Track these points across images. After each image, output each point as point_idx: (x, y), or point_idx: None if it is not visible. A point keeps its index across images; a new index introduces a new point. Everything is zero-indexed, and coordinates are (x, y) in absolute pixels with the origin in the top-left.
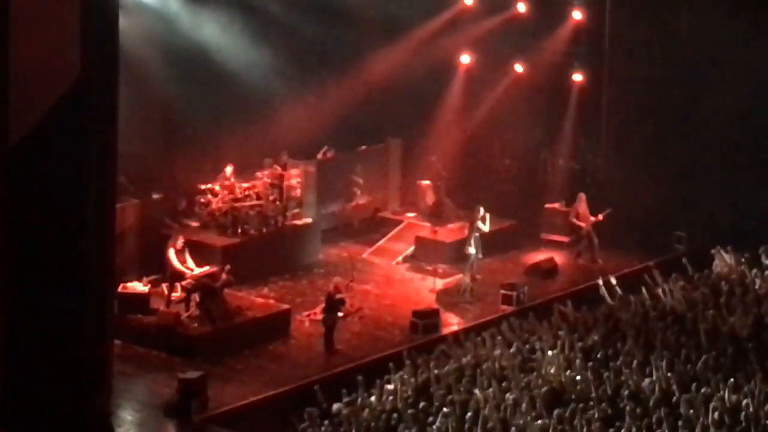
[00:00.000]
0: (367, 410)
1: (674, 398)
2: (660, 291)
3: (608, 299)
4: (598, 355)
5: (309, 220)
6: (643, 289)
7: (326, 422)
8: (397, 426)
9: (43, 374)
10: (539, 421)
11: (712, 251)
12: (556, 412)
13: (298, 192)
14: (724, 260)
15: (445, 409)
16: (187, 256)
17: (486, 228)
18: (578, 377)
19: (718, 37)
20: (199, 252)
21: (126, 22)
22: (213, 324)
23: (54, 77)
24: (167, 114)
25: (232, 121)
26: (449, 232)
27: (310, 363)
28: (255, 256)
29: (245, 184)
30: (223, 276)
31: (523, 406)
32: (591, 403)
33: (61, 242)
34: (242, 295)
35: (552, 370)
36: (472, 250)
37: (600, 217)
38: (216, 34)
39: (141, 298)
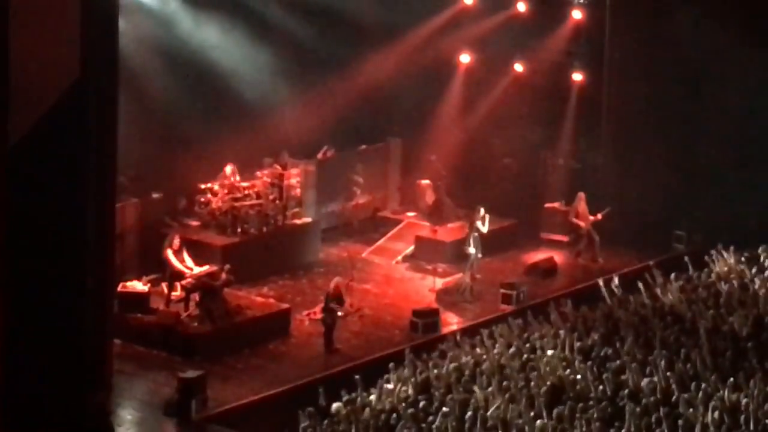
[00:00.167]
0: (366, 410)
1: (674, 398)
2: (659, 290)
3: (608, 299)
4: (598, 355)
5: (309, 219)
6: (643, 289)
7: (326, 421)
8: (396, 425)
9: (43, 373)
10: (539, 421)
11: (712, 251)
12: (555, 411)
13: (298, 191)
14: (723, 260)
15: (444, 409)
16: (185, 255)
17: (485, 229)
18: (578, 376)
19: (718, 36)
20: (199, 251)
21: (126, 22)
22: (213, 323)
23: (54, 77)
24: (167, 113)
25: (232, 121)
26: (449, 232)
27: (310, 362)
28: (255, 256)
29: (245, 184)
30: (223, 275)
31: (523, 405)
32: (590, 402)
33: (61, 241)
34: (242, 295)
35: (551, 370)
36: (471, 249)
37: (599, 216)
38: (216, 33)
39: (141, 298)
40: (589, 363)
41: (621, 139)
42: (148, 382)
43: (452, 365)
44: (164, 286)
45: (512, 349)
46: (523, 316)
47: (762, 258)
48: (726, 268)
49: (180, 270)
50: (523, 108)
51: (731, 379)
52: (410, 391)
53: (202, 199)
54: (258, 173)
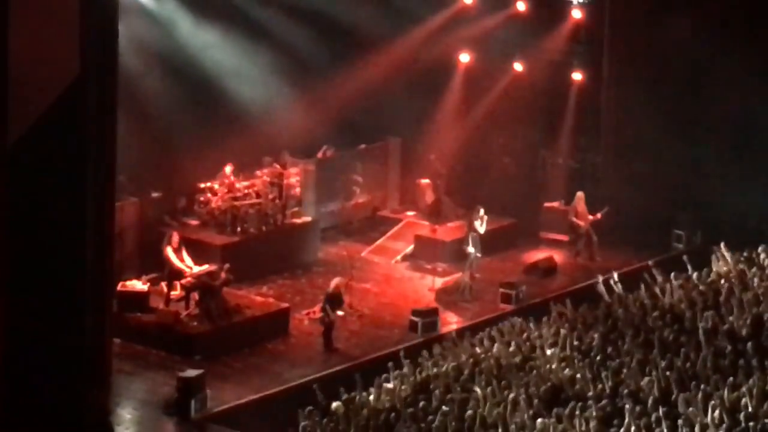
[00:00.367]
0: (366, 409)
1: (673, 397)
2: (659, 290)
3: (607, 298)
4: (598, 354)
5: (308, 218)
6: (642, 288)
7: (325, 420)
8: (395, 424)
9: (43, 372)
10: (538, 420)
11: (712, 250)
12: (555, 410)
13: (297, 190)
14: (723, 259)
15: (444, 408)
16: (185, 254)
17: (482, 229)
18: (577, 376)
19: (718, 35)
20: (199, 250)
21: (127, 22)
22: (212, 322)
23: (53, 76)
24: (167, 113)
25: (232, 120)
26: (448, 231)
27: (309, 361)
28: (254, 255)
29: (245, 183)
30: (223, 274)
31: (522, 404)
32: (590, 401)
33: (61, 241)
34: (241, 294)
35: (551, 369)
36: (470, 249)
37: (598, 216)
38: (216, 33)
39: (140, 297)
40: (589, 362)
41: (620, 139)
42: (147, 381)
43: (451, 364)
44: (164, 285)
45: (511, 348)
46: (523, 316)
47: (761, 257)
48: (725, 268)
49: (179, 269)
50: (523, 107)
51: (731, 378)
52: (409, 390)
53: (202, 199)
54: (257, 172)
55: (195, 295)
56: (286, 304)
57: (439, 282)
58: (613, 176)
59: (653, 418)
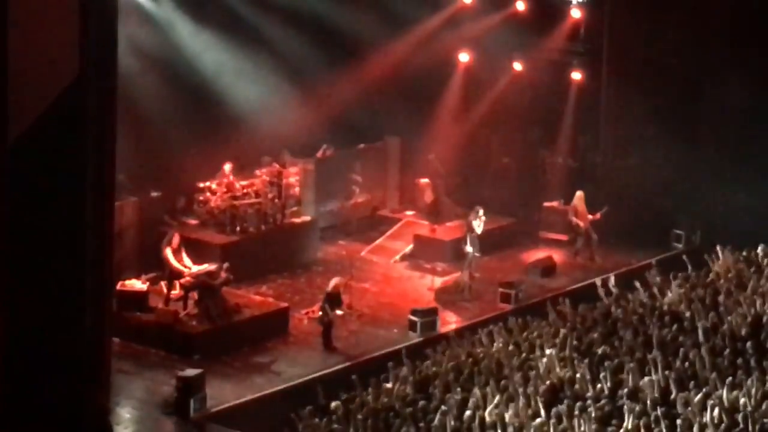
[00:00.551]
0: (365, 408)
1: (672, 397)
2: (658, 289)
3: (605, 298)
4: (597, 354)
5: (308, 218)
6: (642, 288)
7: (324, 420)
8: (395, 424)
9: (42, 372)
10: (537, 420)
11: (711, 249)
12: (554, 410)
13: (296, 190)
14: (722, 259)
15: (443, 407)
16: (184, 255)
17: (479, 230)
18: (576, 375)
19: (718, 35)
20: (198, 250)
21: (125, 23)
22: (212, 322)
23: (53, 76)
24: (166, 112)
25: (231, 119)
26: (448, 231)
27: (309, 361)
28: (254, 254)
29: (244, 182)
30: (222, 274)
31: (521, 404)
32: (589, 401)
33: (60, 240)
34: (241, 293)
35: (550, 368)
36: (469, 248)
37: (598, 216)
38: (215, 33)
39: (140, 296)
40: (588, 362)
41: (620, 138)
42: (146, 380)
43: (451, 364)
44: (163, 284)
45: (511, 348)
46: (522, 315)
47: (761, 257)
48: (725, 267)
49: (179, 269)
50: (522, 107)
51: (730, 378)
52: (409, 390)
53: (201, 198)
54: (257, 172)
55: (194, 295)
56: (285, 304)
57: (438, 281)
58: (613, 176)
59: (652, 417)
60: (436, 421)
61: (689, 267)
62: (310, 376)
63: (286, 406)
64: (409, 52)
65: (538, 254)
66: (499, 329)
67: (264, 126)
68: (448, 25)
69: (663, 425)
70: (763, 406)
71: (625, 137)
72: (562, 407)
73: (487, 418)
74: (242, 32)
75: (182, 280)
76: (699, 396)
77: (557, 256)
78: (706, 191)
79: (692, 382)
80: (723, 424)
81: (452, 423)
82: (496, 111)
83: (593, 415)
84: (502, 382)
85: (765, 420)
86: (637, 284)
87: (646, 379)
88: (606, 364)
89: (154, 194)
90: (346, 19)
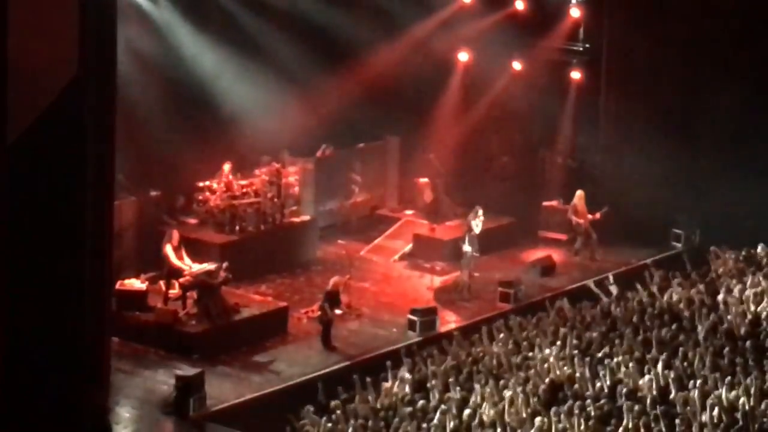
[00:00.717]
0: (364, 408)
1: (671, 396)
2: (657, 289)
3: (603, 298)
4: (596, 353)
5: (307, 217)
6: (641, 287)
7: (324, 419)
8: (394, 423)
9: (41, 371)
10: (536, 419)
11: (710, 249)
12: (553, 409)
13: (296, 189)
14: (722, 258)
15: (442, 406)
16: (183, 253)
17: (477, 229)
18: (576, 374)
19: (717, 34)
20: (197, 249)
21: (124, 22)
22: (211, 321)
23: (52, 75)
24: (165, 111)
25: (230, 119)
26: (447, 230)
27: (308, 360)
28: (253, 254)
29: (243, 182)
30: (221, 273)
31: (521, 403)
32: (588, 400)
33: (59, 240)
34: (240, 293)
35: (549, 368)
36: (467, 247)
37: (598, 215)
38: (214, 33)
39: (139, 295)
40: (587, 361)
41: (619, 138)
42: (146, 380)
43: (450, 363)
44: (162, 283)
45: (510, 347)
46: (521, 314)
47: (760, 256)
48: (724, 267)
49: (178, 267)
50: (522, 106)
51: (729, 377)
52: (408, 389)
53: (201, 197)
54: (256, 171)
55: (193, 294)
56: (284, 303)
57: (437, 281)
58: (612, 175)
59: (651, 416)
60: (435, 421)
61: (689, 266)
62: (310, 376)
63: (286, 405)
64: (408, 51)
65: (538, 253)
66: (498, 328)
67: (263, 125)
68: (448, 24)
69: (662, 424)
70: (762, 405)
71: (624, 136)
72: (562, 406)
73: (487, 418)
74: (243, 32)
75: (181, 280)
76: (698, 395)
77: (557, 255)
78: (705, 190)
79: (691, 381)
80: (722, 423)
81: (452, 422)
82: (496, 110)
83: (592, 414)
84: (502, 382)
85: (764, 419)
86: (637, 284)
87: (646, 378)
88: (605, 363)
89: (153, 194)
90: (346, 19)
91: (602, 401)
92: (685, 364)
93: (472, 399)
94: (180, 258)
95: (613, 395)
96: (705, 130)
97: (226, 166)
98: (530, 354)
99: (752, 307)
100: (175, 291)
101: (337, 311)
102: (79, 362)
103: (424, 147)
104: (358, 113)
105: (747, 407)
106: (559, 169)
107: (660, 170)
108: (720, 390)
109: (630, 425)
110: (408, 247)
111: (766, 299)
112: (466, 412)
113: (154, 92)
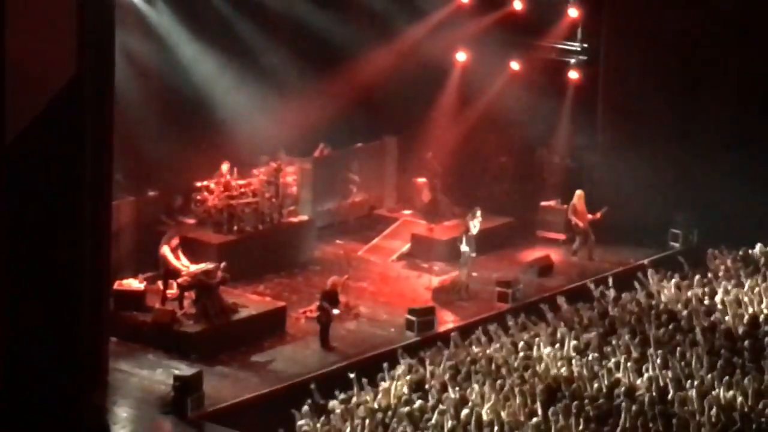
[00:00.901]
0: (362, 407)
1: (669, 396)
2: (655, 289)
3: (602, 299)
4: (594, 353)
5: (305, 217)
6: (639, 287)
7: (322, 419)
8: (392, 423)
9: (39, 371)
10: (534, 419)
11: (708, 249)
12: (551, 408)
13: (294, 189)
14: (719, 258)
15: (440, 406)
16: (180, 253)
17: (474, 230)
18: (574, 374)
19: (716, 33)
20: (195, 249)
21: (122, 24)
22: (209, 321)
23: (50, 75)
24: (162, 112)
25: (228, 118)
26: (445, 230)
27: (306, 360)
28: (251, 254)
29: (241, 182)
30: (219, 273)
31: (518, 403)
32: (586, 400)
33: (58, 239)
34: (238, 293)
35: (547, 368)
36: (464, 247)
37: (597, 215)
38: (213, 33)
39: (137, 295)
40: (585, 361)
41: (617, 138)
42: (143, 380)
43: (448, 363)
44: (160, 283)
45: (508, 347)
46: (519, 315)
47: (758, 256)
48: (722, 267)
49: (176, 267)
50: (520, 106)
51: (726, 377)
52: (406, 389)
53: (198, 197)
54: (254, 171)
55: (191, 294)
56: (282, 303)
57: (435, 281)
58: (610, 175)
59: (649, 416)
60: (433, 421)
61: (686, 266)
62: (308, 376)
63: (284, 405)
64: (406, 51)
65: (536, 253)
66: (496, 328)
67: (261, 125)
68: (446, 24)
69: (660, 424)
70: (760, 405)
71: (622, 136)
72: (560, 406)
73: (485, 417)
74: (240, 34)
75: (179, 280)
76: (696, 395)
77: (555, 255)
78: (703, 191)
79: (689, 381)
80: (720, 423)
81: (449, 422)
82: (494, 110)
83: (590, 414)
84: (500, 381)
85: (762, 419)
86: (635, 283)
87: (644, 378)
88: (603, 363)
89: (151, 193)
90: (344, 20)
91: (600, 401)
92: (683, 364)
93: (471, 399)
94: (177, 258)
95: (611, 395)
96: (703, 130)
97: (224, 166)
98: (528, 354)
99: (750, 308)
100: (173, 291)
101: (335, 311)
102: (77, 362)
103: (422, 147)
104: (356, 113)
105: (745, 407)
106: (557, 169)
107: (658, 170)
108: (718, 390)
109: (628, 425)
110: (406, 247)
111: (764, 299)
112: (464, 412)
113: (152, 92)
